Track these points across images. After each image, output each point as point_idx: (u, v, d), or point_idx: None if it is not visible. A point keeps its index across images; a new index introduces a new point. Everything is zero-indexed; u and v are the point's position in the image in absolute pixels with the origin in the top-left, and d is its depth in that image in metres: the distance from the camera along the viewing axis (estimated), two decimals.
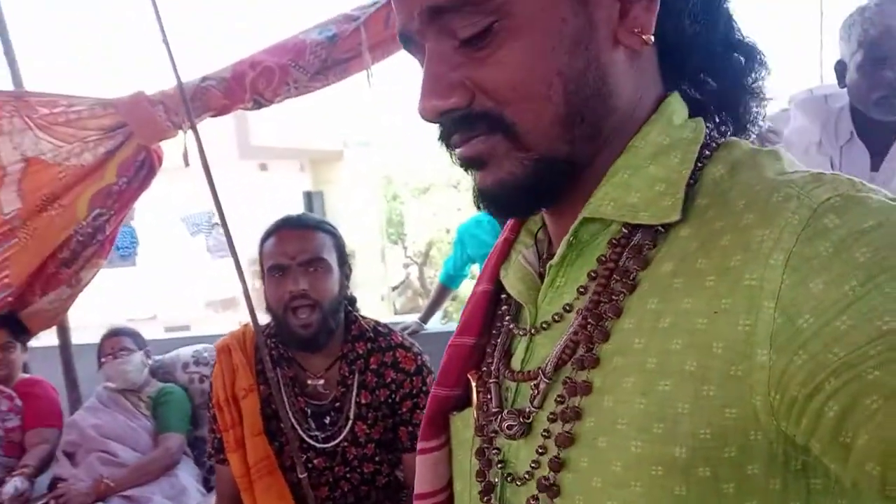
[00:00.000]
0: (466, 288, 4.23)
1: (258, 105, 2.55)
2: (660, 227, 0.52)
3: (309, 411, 1.66)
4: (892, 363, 0.39)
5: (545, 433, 0.53)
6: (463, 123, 0.53)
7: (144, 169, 2.59)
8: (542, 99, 0.51)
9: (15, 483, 2.39)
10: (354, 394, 1.64)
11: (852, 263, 0.42)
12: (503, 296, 0.66)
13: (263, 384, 1.65)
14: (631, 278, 0.51)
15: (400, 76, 4.00)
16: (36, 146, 2.48)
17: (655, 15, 0.52)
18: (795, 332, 0.42)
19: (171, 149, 2.58)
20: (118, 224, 2.68)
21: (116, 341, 2.61)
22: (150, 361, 2.73)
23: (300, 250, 1.60)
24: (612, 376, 0.50)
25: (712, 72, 0.59)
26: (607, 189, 0.54)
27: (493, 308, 0.66)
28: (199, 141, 2.14)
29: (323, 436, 1.64)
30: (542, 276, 0.61)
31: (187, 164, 2.47)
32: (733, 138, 0.57)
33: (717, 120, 0.60)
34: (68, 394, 2.87)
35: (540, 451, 0.54)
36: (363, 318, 1.74)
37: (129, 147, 2.52)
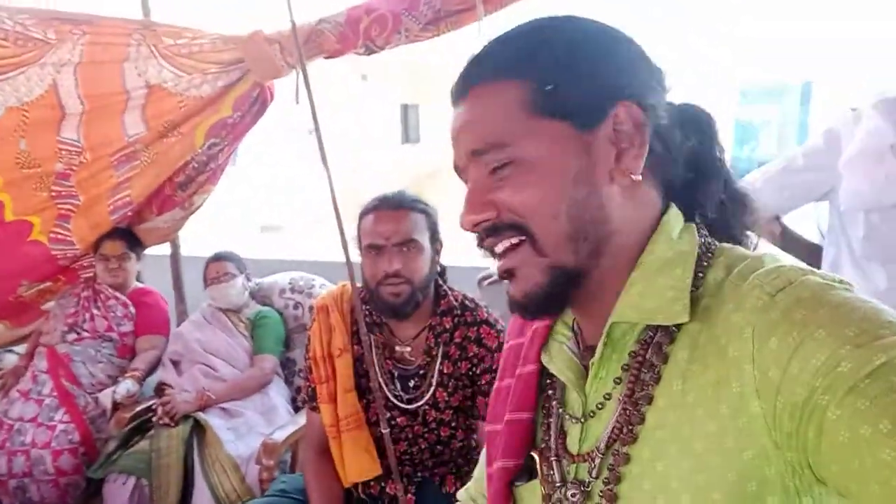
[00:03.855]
0: None
1: (369, 51, 2.58)
2: (673, 327, 0.66)
3: (396, 374, 1.78)
4: (830, 388, 0.53)
5: (600, 494, 0.68)
6: (492, 231, 0.70)
7: (257, 104, 2.70)
8: (551, 218, 0.67)
9: (127, 385, 2.66)
10: (438, 363, 1.75)
11: (793, 321, 0.57)
12: (548, 379, 0.80)
13: (357, 345, 1.77)
14: (656, 371, 0.66)
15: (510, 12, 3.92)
16: (159, 74, 2.61)
17: (643, 159, 0.67)
18: (769, 383, 0.56)
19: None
20: (229, 154, 2.83)
21: (220, 266, 2.80)
22: (250, 284, 2.92)
23: (394, 231, 1.69)
24: (658, 447, 0.64)
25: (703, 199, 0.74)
26: (628, 298, 0.68)
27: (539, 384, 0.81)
28: (308, 84, 2.19)
29: (407, 397, 1.76)
30: (583, 364, 0.75)
31: (297, 102, 2.55)
32: (727, 245, 0.70)
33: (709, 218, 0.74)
34: (176, 304, 3.12)
35: None
36: (452, 290, 1.83)
37: (245, 83, 2.62)
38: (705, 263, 0.67)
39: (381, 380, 1.75)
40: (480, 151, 0.69)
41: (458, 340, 1.76)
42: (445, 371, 1.75)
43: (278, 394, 2.74)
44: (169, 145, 2.68)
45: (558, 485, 0.73)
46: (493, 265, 2.77)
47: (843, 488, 0.54)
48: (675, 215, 0.71)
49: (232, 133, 2.73)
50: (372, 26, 2.49)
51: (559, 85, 0.66)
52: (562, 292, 0.70)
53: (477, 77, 0.70)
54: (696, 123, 0.73)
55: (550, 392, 0.78)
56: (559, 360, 0.76)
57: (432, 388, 1.75)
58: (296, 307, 2.96)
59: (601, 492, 0.67)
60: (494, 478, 0.80)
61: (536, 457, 0.77)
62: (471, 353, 1.75)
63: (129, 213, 2.84)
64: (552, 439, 0.75)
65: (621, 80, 0.68)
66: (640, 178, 0.67)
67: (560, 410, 0.76)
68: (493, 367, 1.75)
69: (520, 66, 0.68)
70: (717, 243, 0.70)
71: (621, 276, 0.69)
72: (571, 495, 0.70)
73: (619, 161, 0.67)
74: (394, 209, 1.72)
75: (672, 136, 0.71)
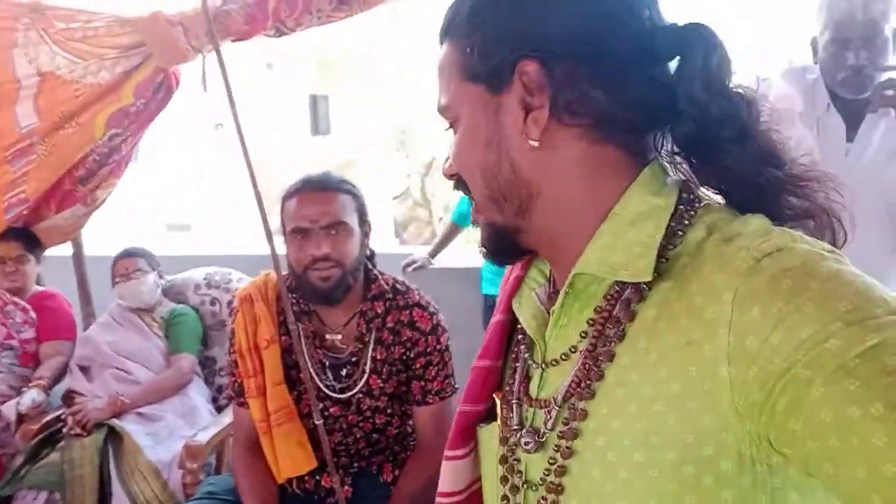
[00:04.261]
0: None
1: (280, 33, 2.49)
2: (644, 285, 0.62)
3: (327, 363, 1.72)
4: (813, 362, 0.50)
5: (555, 447, 0.66)
6: (455, 184, 0.74)
7: (161, 91, 2.56)
8: (471, 180, 0.70)
9: (32, 395, 2.47)
10: (371, 349, 1.70)
11: (778, 291, 0.53)
12: (519, 326, 0.77)
13: (285, 335, 1.70)
14: (621, 328, 0.63)
15: None
16: (52, 61, 2.43)
17: (540, 123, 0.63)
18: (745, 350, 0.54)
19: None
20: (133, 145, 2.68)
21: (130, 262, 2.65)
22: (162, 282, 2.78)
23: (322, 213, 1.62)
24: (616, 405, 0.62)
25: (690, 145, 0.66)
26: (593, 250, 0.65)
27: (509, 334, 0.80)
28: (224, 67, 2.07)
29: (339, 386, 1.71)
30: (549, 311, 0.72)
31: (205, 90, 2.43)
32: (708, 203, 0.65)
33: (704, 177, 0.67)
34: (82, 307, 2.93)
35: (550, 461, 0.66)
36: (382, 274, 1.78)
37: (147, 68, 2.47)
38: (686, 221, 0.63)
39: (311, 370, 1.69)
40: (440, 111, 0.72)
41: (390, 325, 1.71)
42: (379, 357, 1.70)
43: (199, 394, 2.62)
44: (66, 136, 2.51)
45: (515, 428, 0.71)
46: (415, 252, 2.77)
47: (813, 467, 0.51)
48: (653, 171, 0.66)
49: (135, 122, 2.58)
50: (281, 6, 2.39)
51: (474, 47, 0.66)
52: (502, 245, 0.73)
53: (441, 35, 0.71)
54: (682, 53, 0.64)
55: (520, 337, 0.76)
56: (525, 307, 0.75)
57: (365, 376, 1.69)
58: (213, 303, 2.83)
59: (556, 446, 0.65)
60: (455, 421, 0.79)
61: (498, 399, 0.76)
62: (404, 337, 1.71)
63: (25, 212, 2.65)
64: (516, 383, 0.74)
65: (532, 31, 0.63)
66: (535, 143, 0.64)
67: (526, 356, 0.74)
68: (428, 351, 1.71)
69: (457, 26, 0.68)
70: (700, 201, 0.65)
71: (584, 228, 0.66)
72: (525, 442, 0.69)
73: (525, 122, 0.64)
74: (320, 191, 1.65)
75: (629, 81, 0.63)
